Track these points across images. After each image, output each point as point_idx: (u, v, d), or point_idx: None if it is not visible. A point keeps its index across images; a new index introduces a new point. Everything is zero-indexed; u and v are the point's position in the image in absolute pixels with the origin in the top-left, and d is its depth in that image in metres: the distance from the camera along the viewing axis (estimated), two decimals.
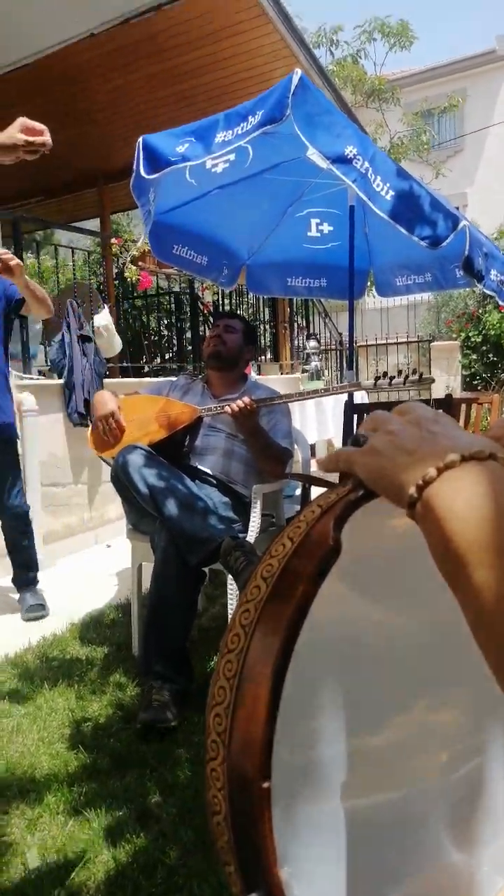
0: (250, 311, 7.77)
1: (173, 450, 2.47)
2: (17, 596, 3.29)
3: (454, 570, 0.40)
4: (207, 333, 2.72)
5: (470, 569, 0.39)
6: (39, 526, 3.96)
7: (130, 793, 1.75)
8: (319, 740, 0.53)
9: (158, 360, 7.54)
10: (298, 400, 2.40)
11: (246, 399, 2.32)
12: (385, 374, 2.13)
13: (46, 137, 1.53)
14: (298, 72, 2.02)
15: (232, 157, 2.58)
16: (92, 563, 4.09)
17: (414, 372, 2.08)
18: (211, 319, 6.37)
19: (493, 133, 15.76)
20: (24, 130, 1.52)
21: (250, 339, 2.71)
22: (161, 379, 3.05)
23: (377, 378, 2.04)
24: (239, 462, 2.55)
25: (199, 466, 2.53)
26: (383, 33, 11.46)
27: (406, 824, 0.60)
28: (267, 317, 7.79)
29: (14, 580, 3.25)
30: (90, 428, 2.61)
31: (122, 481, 2.26)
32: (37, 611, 3.11)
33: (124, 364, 5.93)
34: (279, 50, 5.16)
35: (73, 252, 5.35)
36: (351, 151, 2.07)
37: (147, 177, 2.39)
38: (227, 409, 2.34)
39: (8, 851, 1.57)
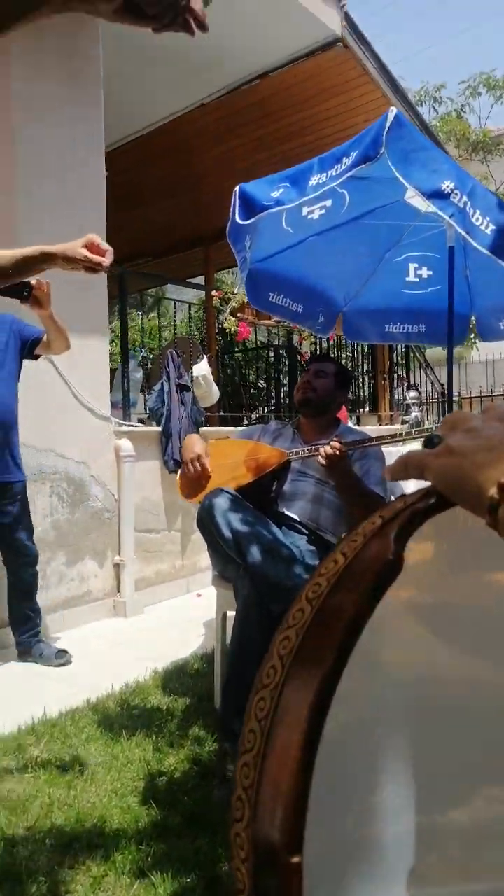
0: (350, 362, 7.73)
1: (261, 495, 2.40)
2: (111, 642, 3.28)
3: None
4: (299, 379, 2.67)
5: None
6: (132, 572, 3.98)
7: (201, 857, 1.64)
8: (381, 810, 0.43)
9: (258, 412, 7.60)
10: (390, 443, 2.29)
11: (335, 444, 2.23)
12: None
13: (106, 260, 1.61)
14: (394, 110, 1.99)
15: (328, 203, 2.58)
16: (181, 610, 4.05)
17: None
18: None
19: None
20: (90, 247, 1.60)
21: (343, 382, 2.63)
22: (252, 426, 3.02)
23: None
24: (328, 509, 2.45)
25: (287, 512, 2.45)
26: (489, 87, 11.46)
27: None
28: (366, 368, 7.72)
29: (23, 629, 3.14)
30: (179, 473, 2.60)
31: (206, 525, 2.21)
32: (63, 656, 3.10)
33: (223, 414, 6.01)
34: (381, 106, 5.23)
35: (174, 305, 5.54)
36: (448, 186, 2.00)
37: (242, 222, 2.42)
38: (318, 455, 2.26)
39: None
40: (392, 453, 4.69)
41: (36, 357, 3.14)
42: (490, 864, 0.48)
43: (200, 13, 0.89)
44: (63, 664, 3.07)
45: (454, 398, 9.86)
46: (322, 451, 2.25)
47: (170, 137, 5.63)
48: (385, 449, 2.57)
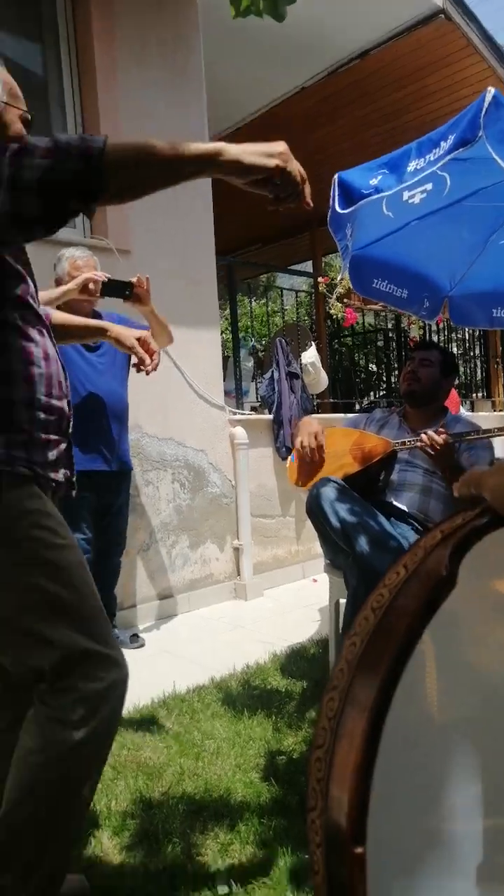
0: (461, 345, 7.47)
1: (367, 484, 2.43)
2: (233, 623, 3.42)
3: None
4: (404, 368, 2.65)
5: None
6: (250, 556, 4.13)
7: None
8: (455, 808, 0.47)
9: (369, 397, 7.53)
10: (497, 435, 2.25)
11: (444, 436, 2.23)
12: None
13: (150, 362, 2.03)
14: (491, 90, 1.93)
15: (429, 186, 2.53)
16: (298, 595, 4.15)
17: None
18: None
19: None
20: (141, 341, 1.92)
21: (449, 370, 2.60)
22: (358, 414, 3.02)
23: None
24: (438, 500, 2.43)
25: (396, 503, 2.46)
26: None
27: None
28: (479, 352, 7.44)
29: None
30: (288, 460, 2.67)
31: (315, 514, 2.27)
32: (136, 640, 3.27)
33: (335, 400, 6.02)
34: (487, 78, 5.00)
35: (281, 293, 5.60)
36: None
37: (342, 212, 2.43)
38: (421, 443, 2.26)
39: (202, 872, 1.62)
40: None
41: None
42: None
43: (308, 196, 1.12)
44: (138, 647, 3.23)
45: None
46: (425, 438, 2.24)
47: (269, 124, 5.66)
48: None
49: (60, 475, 1.31)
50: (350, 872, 0.35)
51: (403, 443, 2.41)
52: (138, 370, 2.11)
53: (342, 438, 2.57)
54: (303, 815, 1.50)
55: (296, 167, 1.09)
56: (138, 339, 1.87)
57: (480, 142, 1.94)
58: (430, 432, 2.25)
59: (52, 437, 1.28)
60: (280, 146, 1.08)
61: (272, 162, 1.06)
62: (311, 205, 1.14)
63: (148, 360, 1.96)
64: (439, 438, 2.22)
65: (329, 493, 2.25)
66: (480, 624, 0.48)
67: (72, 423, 1.37)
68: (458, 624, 0.47)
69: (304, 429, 2.55)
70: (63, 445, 1.32)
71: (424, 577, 0.42)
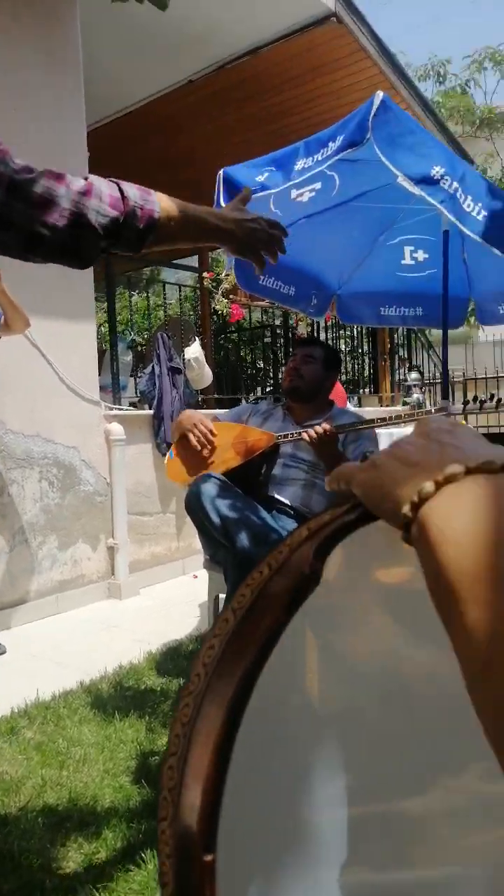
0: (349, 342, 7.70)
1: (250, 478, 2.42)
2: (106, 624, 3.31)
3: (445, 607, 0.32)
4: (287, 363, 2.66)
5: (461, 605, 0.31)
6: (126, 555, 4.02)
7: None
8: (325, 798, 0.45)
9: (256, 393, 7.59)
10: (381, 426, 2.30)
11: (325, 425, 2.25)
12: (476, 398, 2.01)
13: None
14: (380, 93, 1.97)
15: (318, 185, 2.56)
16: (177, 592, 4.09)
17: (492, 398, 1.95)
18: None
19: None
20: None
21: (332, 365, 2.62)
22: (242, 405, 3.01)
23: (465, 403, 1.92)
24: (320, 494, 2.46)
25: (279, 497, 2.46)
26: (495, 62, 11.27)
27: None
28: (367, 348, 7.69)
29: None
30: (167, 456, 2.61)
31: (195, 511, 2.23)
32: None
33: (220, 396, 6.00)
34: (378, 83, 5.14)
35: (163, 287, 5.52)
36: (438, 171, 1.98)
37: None
38: (304, 435, 2.27)
39: (62, 886, 1.53)
40: (395, 434, 4.72)
41: None
42: (444, 852, 0.50)
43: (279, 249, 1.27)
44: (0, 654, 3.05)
45: (459, 379, 9.84)
46: (310, 431, 2.26)
47: (158, 114, 5.56)
48: (388, 430, 2.57)
49: None
50: (200, 882, 0.33)
51: (286, 435, 2.41)
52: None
53: (225, 432, 2.54)
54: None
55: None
56: None
57: (369, 144, 1.97)
58: (323, 424, 2.26)
59: None
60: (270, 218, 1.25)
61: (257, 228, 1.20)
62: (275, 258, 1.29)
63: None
64: (320, 429, 2.24)
65: (209, 489, 2.21)
66: (353, 616, 0.46)
67: None
68: (331, 618, 0.45)
69: (188, 420, 2.51)
70: None
71: (287, 576, 0.39)
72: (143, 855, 1.61)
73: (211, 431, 2.47)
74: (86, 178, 1.04)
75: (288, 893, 0.42)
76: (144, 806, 1.82)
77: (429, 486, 0.35)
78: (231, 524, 2.14)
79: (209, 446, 2.47)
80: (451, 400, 7.42)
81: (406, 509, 0.36)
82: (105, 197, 1.03)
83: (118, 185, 1.06)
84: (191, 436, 2.47)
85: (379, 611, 0.47)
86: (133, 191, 1.06)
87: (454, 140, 6.13)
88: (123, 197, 1.05)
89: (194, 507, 2.23)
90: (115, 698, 2.50)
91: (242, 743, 0.36)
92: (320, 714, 0.45)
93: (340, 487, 0.45)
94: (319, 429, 2.23)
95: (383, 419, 2.29)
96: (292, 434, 2.39)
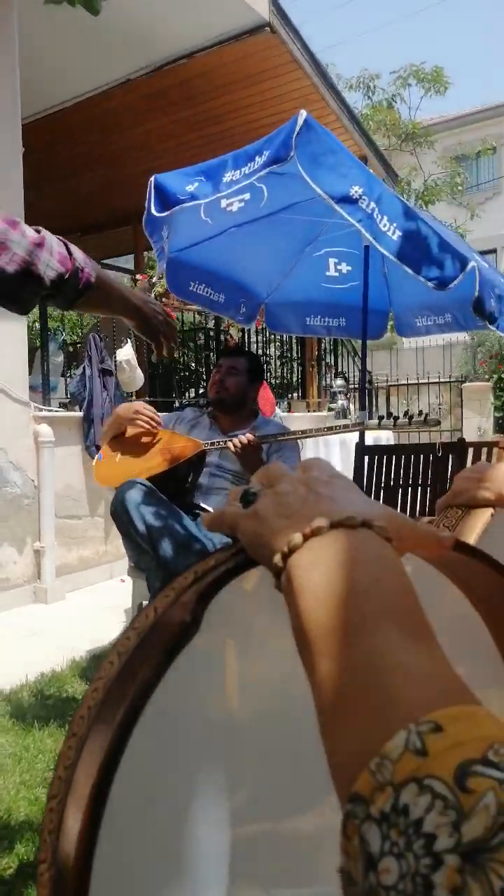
0: (279, 348, 7.78)
1: (175, 486, 2.43)
2: (30, 630, 3.25)
3: (302, 654, 0.35)
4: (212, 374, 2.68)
5: (314, 657, 0.33)
6: (53, 558, 3.95)
7: None
8: (214, 823, 0.47)
9: (189, 395, 7.57)
10: (301, 437, 2.35)
11: (249, 436, 2.28)
12: (390, 414, 2.07)
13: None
14: (304, 112, 2.02)
15: (247, 196, 2.59)
16: (104, 597, 4.05)
17: (420, 413, 2.02)
18: None
19: None
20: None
21: (256, 376, 2.67)
22: (169, 413, 3.01)
23: (381, 418, 1.99)
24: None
25: (204, 505, 2.48)
26: (418, 79, 11.61)
27: None
28: (296, 354, 7.79)
29: None
30: (96, 458, 2.59)
31: (120, 517, 2.22)
32: None
33: (154, 399, 5.96)
34: (309, 94, 5.24)
35: None
36: (356, 191, 2.05)
37: (157, 215, 2.41)
38: (230, 444, 2.30)
39: None
40: (331, 442, 4.82)
41: None
42: (321, 870, 0.53)
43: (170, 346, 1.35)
44: None
45: (383, 385, 10.08)
46: (235, 441, 2.29)
47: (94, 112, 5.49)
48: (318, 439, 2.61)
49: None
50: None
51: (213, 443, 2.43)
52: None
53: (150, 438, 2.54)
54: None
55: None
56: None
57: (292, 161, 2.01)
58: (247, 435, 2.29)
59: None
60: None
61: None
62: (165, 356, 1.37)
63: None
64: (244, 439, 2.27)
65: (134, 495, 2.21)
66: (248, 637, 0.48)
67: None
68: (221, 659, 0.46)
69: (127, 410, 2.49)
70: None
71: (168, 622, 0.40)
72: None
73: (155, 415, 2.46)
74: (38, 231, 1.08)
75: None
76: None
77: (297, 538, 0.38)
78: (155, 532, 2.15)
79: (156, 429, 2.45)
80: (373, 408, 7.60)
81: (277, 559, 0.38)
82: (55, 252, 1.08)
83: (66, 244, 1.11)
84: (138, 422, 2.45)
85: (273, 632, 0.49)
86: (79, 253, 1.12)
87: (380, 152, 6.29)
88: (71, 256, 1.10)
89: (119, 512, 2.22)
90: (36, 707, 2.47)
91: (129, 780, 0.37)
92: (211, 735, 0.47)
93: (224, 531, 0.47)
94: (244, 439, 2.27)
95: (304, 431, 2.34)
96: (220, 442, 2.41)
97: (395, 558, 0.37)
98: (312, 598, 0.35)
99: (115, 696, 0.39)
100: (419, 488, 3.01)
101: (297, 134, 1.97)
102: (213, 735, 0.47)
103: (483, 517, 0.74)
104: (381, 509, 0.41)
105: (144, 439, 2.53)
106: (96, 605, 3.86)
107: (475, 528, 0.72)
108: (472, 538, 0.71)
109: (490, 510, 0.74)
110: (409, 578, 0.36)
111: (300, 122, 1.98)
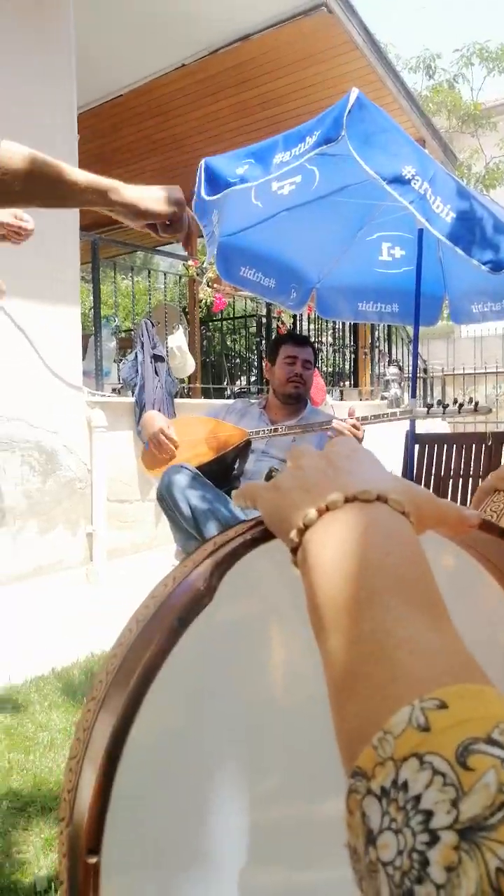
0: (332, 335, 7.70)
1: (223, 473, 2.44)
2: (82, 610, 3.32)
3: (315, 631, 0.34)
4: (279, 359, 2.62)
5: (325, 633, 0.33)
6: (105, 541, 4.04)
7: None
8: (234, 802, 0.47)
9: (240, 382, 7.59)
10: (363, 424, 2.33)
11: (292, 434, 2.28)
12: (439, 402, 2.03)
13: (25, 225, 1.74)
14: (356, 90, 1.98)
15: (298, 178, 2.56)
16: (154, 579, 4.07)
17: (470, 401, 1.97)
18: None
19: None
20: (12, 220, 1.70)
21: (314, 363, 2.68)
22: (219, 402, 3.03)
23: (429, 406, 1.94)
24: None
25: None
26: (482, 58, 11.24)
27: None
28: (348, 341, 7.70)
29: None
30: (142, 448, 2.63)
31: (166, 501, 2.25)
32: None
33: (205, 385, 5.99)
34: (366, 75, 5.14)
35: (148, 273, 5.51)
36: (409, 171, 2.00)
37: (207, 198, 2.41)
38: (275, 433, 2.31)
39: (20, 869, 1.56)
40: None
41: None
42: (323, 854, 0.52)
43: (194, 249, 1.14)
44: None
45: (439, 374, 9.87)
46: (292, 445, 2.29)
47: (148, 99, 5.52)
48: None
49: None
50: (84, 883, 0.35)
51: (258, 432, 2.44)
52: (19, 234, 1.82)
53: (199, 427, 2.56)
54: None
55: (189, 216, 1.07)
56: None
57: (343, 141, 1.98)
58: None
59: None
60: (179, 193, 1.05)
61: (168, 210, 1.03)
62: (195, 257, 1.16)
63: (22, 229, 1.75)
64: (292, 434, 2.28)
65: (181, 480, 2.23)
66: (263, 631, 0.48)
67: None
68: (234, 631, 0.46)
69: (149, 426, 2.51)
70: None
71: (184, 590, 0.41)
72: None
73: (172, 440, 2.46)
74: None
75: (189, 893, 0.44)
76: None
77: (312, 513, 0.37)
78: (200, 515, 2.17)
79: (169, 454, 2.48)
80: (429, 397, 7.44)
81: (293, 534, 0.38)
82: None
83: None
84: (154, 442, 2.48)
85: (300, 607, 0.49)
86: None
87: (439, 135, 6.13)
88: None
89: (165, 496, 2.25)
90: (86, 685, 2.52)
91: (144, 744, 0.38)
92: (234, 715, 0.47)
93: (247, 505, 0.47)
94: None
95: (321, 424, 2.34)
96: (264, 431, 2.42)
97: (409, 533, 0.36)
98: (323, 574, 0.34)
99: (130, 661, 0.40)
100: (469, 479, 2.94)
101: (348, 113, 1.93)
102: (237, 708, 0.47)
103: None
104: (399, 483, 0.40)
105: (191, 430, 2.56)
106: (146, 588, 3.88)
107: None
108: None
109: None
110: (424, 553, 0.35)
111: (352, 100, 1.94)
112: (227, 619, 0.45)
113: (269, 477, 0.57)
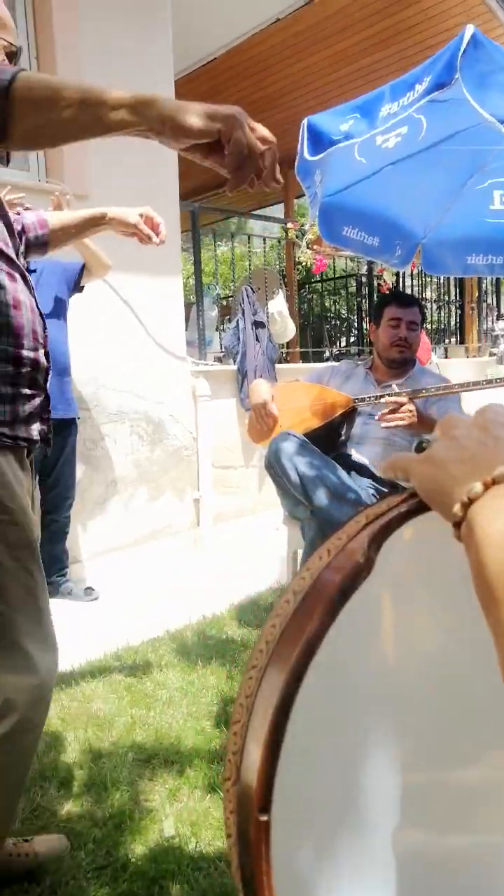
0: (436, 291, 7.42)
1: (329, 438, 2.42)
2: (191, 575, 3.42)
3: (486, 605, 0.33)
4: (384, 322, 2.56)
5: (498, 604, 0.32)
6: (211, 507, 4.13)
7: None
8: (370, 772, 0.47)
9: (339, 344, 7.48)
10: (455, 391, 2.24)
11: (401, 399, 2.21)
12: None
13: (157, 237, 1.62)
14: (471, 27, 1.84)
15: (404, 130, 2.44)
16: (259, 545, 4.17)
17: None
18: None
19: None
20: (145, 219, 1.58)
21: (422, 323, 2.58)
22: (322, 365, 2.99)
23: None
24: (399, 452, 2.42)
25: (356, 455, 2.45)
26: None
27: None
28: (453, 297, 7.39)
29: (51, 570, 3.13)
30: (248, 414, 2.64)
31: (274, 468, 2.26)
32: (91, 593, 3.23)
33: (304, 349, 5.95)
34: (474, 6, 4.80)
35: (249, 238, 5.47)
36: None
37: (311, 158, 2.34)
38: (378, 416, 2.25)
39: (148, 817, 1.65)
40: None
41: (81, 289, 3.07)
42: (487, 819, 0.51)
43: (277, 173, 0.87)
44: (92, 600, 3.18)
45: None
46: (385, 412, 2.22)
47: (243, 59, 5.41)
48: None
49: (35, 431, 1.25)
50: (257, 838, 0.37)
51: (364, 399, 2.39)
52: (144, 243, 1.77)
53: (303, 393, 2.54)
54: None
55: (245, 137, 0.84)
56: (141, 216, 1.66)
57: (457, 84, 1.86)
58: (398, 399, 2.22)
59: (24, 390, 1.22)
60: (229, 109, 0.85)
61: (213, 126, 0.83)
62: (281, 181, 0.90)
63: (154, 237, 1.74)
64: (399, 401, 2.21)
65: (288, 447, 2.23)
66: (408, 603, 0.47)
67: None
68: (387, 604, 0.46)
69: (254, 396, 2.49)
70: (38, 399, 1.26)
71: (342, 563, 0.40)
72: (221, 795, 1.70)
73: (271, 416, 2.42)
74: None
75: (342, 853, 0.45)
76: (224, 750, 1.92)
77: (477, 486, 0.36)
78: (309, 482, 2.16)
79: (269, 427, 2.45)
80: None
81: (457, 508, 0.37)
82: None
83: None
84: (255, 415, 2.46)
85: (451, 593, 0.48)
86: None
87: None
88: None
89: (274, 464, 2.26)
90: (199, 646, 2.62)
91: (304, 712, 0.38)
92: (383, 685, 0.47)
93: (397, 477, 0.46)
94: (399, 399, 2.20)
95: (461, 385, 2.23)
96: (369, 398, 2.37)
97: None
98: (495, 549, 0.33)
99: (292, 633, 0.40)
100: None
101: (462, 53, 1.81)
102: (381, 680, 0.47)
103: None
104: None
105: (295, 396, 2.54)
106: (252, 553, 3.99)
107: None
108: None
109: None
110: None
111: (466, 38, 1.81)
112: (371, 590, 0.44)
113: (420, 448, 0.56)
